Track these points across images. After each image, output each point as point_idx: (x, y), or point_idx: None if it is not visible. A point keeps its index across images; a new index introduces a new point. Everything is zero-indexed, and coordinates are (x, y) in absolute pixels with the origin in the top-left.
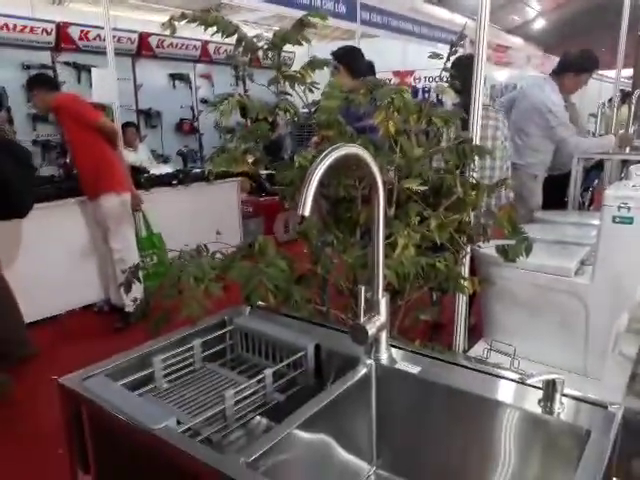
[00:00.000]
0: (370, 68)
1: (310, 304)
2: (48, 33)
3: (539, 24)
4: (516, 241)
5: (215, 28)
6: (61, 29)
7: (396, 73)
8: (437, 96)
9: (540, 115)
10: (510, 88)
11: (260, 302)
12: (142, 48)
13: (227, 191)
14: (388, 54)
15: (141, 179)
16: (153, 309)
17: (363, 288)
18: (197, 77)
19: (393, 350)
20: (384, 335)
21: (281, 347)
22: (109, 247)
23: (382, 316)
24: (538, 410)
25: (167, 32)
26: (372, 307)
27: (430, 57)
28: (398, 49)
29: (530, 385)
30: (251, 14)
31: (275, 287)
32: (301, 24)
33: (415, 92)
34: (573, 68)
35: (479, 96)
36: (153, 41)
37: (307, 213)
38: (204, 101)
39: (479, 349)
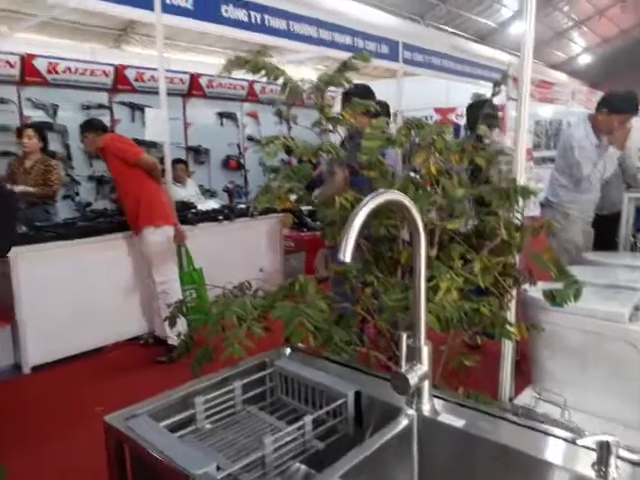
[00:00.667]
0: (385, 108)
1: (350, 345)
2: (107, 75)
3: (584, 59)
4: (564, 285)
5: (263, 72)
6: (119, 71)
7: (438, 110)
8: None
9: (565, 152)
10: (555, 124)
11: (300, 344)
12: (193, 88)
13: (270, 226)
14: (430, 91)
15: (188, 215)
16: (195, 344)
17: (405, 335)
18: (244, 115)
19: (436, 401)
20: (426, 385)
21: (321, 392)
22: (152, 280)
23: (424, 365)
24: (592, 474)
25: (222, 74)
26: (414, 355)
27: (472, 98)
28: (440, 86)
29: (583, 446)
30: (295, 55)
31: (315, 328)
32: (345, 67)
33: (457, 129)
34: (606, 107)
35: (524, 135)
36: (203, 81)
37: (348, 259)
38: (250, 138)
39: (527, 397)
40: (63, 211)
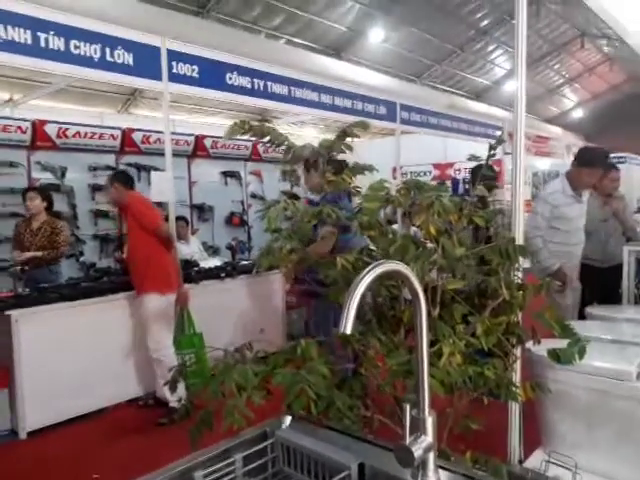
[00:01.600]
0: (343, 166)
1: (352, 410)
2: (114, 138)
3: (577, 113)
4: (568, 343)
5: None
6: (126, 134)
7: (436, 165)
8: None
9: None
10: (552, 175)
11: (301, 411)
12: (197, 149)
13: (272, 282)
14: (428, 147)
15: (192, 273)
16: (195, 407)
17: (408, 406)
18: (247, 174)
19: (442, 472)
20: (432, 457)
21: (323, 464)
22: (146, 346)
23: (429, 436)
24: None
25: (226, 138)
26: (418, 425)
27: (469, 159)
28: (438, 143)
29: None
30: (297, 116)
31: (317, 395)
32: (344, 134)
33: (455, 183)
34: (576, 161)
35: (520, 188)
36: (208, 143)
37: (349, 331)
38: (254, 195)
39: (537, 460)
40: (68, 270)
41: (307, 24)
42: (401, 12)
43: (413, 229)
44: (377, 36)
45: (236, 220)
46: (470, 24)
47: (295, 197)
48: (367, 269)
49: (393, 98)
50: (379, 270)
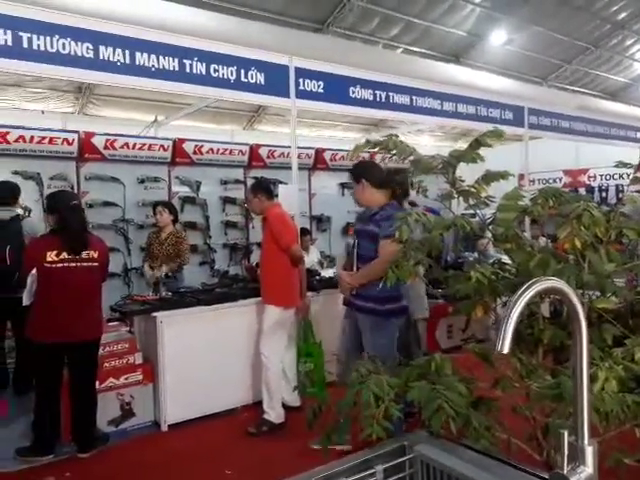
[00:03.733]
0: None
1: (489, 431)
2: (243, 154)
3: None
4: None
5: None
6: (253, 150)
7: (567, 172)
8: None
9: None
10: None
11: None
12: (318, 162)
13: None
14: (558, 153)
15: (313, 282)
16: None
17: (566, 433)
18: None
19: None
20: None
21: None
22: (260, 350)
23: (589, 468)
24: None
25: (353, 156)
26: (575, 454)
27: (616, 166)
28: (569, 147)
29: None
30: (414, 125)
31: (455, 412)
32: (478, 144)
33: (589, 190)
34: None
35: None
36: (327, 155)
37: (506, 351)
38: None
39: None
40: (199, 276)
41: (425, 32)
42: (525, 12)
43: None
44: (499, 38)
45: (352, 230)
46: (604, 18)
47: (414, 205)
48: (525, 285)
49: (520, 102)
50: (539, 287)
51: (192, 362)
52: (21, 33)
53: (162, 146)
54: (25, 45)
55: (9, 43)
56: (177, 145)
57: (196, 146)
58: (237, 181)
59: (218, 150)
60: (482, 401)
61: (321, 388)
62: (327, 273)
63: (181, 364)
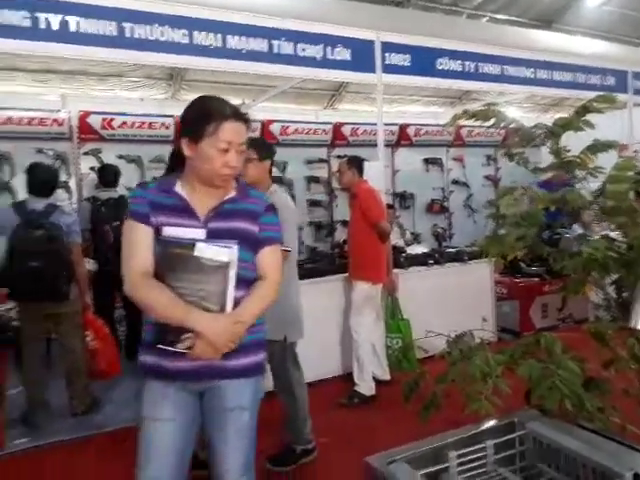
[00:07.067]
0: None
1: (603, 413)
2: (326, 133)
3: None
4: None
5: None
6: (336, 128)
7: None
8: None
9: None
10: None
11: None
12: (401, 138)
13: (481, 271)
14: None
15: (400, 259)
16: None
17: None
18: (449, 160)
19: None
20: None
21: (585, 466)
22: (349, 324)
23: None
24: None
25: (448, 125)
26: None
27: None
28: None
29: None
30: (501, 97)
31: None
32: (585, 110)
33: None
34: None
35: None
36: (411, 131)
37: None
38: (455, 182)
39: None
40: None
41: None
42: None
43: None
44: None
45: (436, 207)
46: None
47: None
48: None
49: (622, 66)
50: None
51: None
52: (124, 24)
53: (253, 127)
54: (127, 35)
55: (114, 33)
56: (265, 127)
57: (282, 127)
58: (321, 160)
59: (303, 130)
60: (593, 382)
61: (412, 364)
62: (415, 250)
63: None
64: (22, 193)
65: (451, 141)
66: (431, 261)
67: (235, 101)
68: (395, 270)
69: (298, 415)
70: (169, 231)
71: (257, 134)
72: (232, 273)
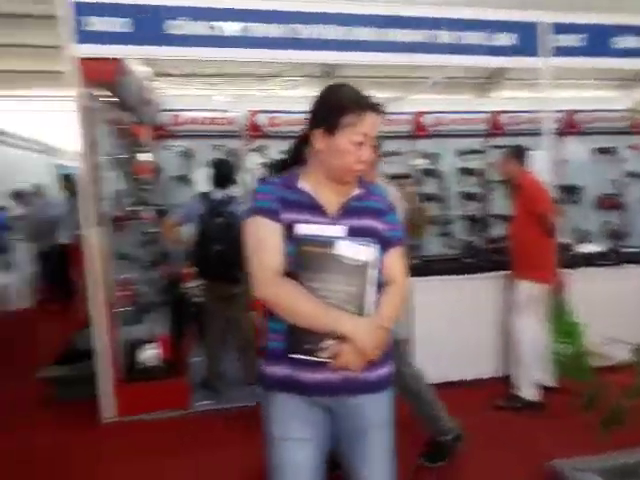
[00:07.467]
0: None
1: None
2: (482, 122)
3: None
4: None
5: None
6: (494, 118)
7: None
8: None
9: None
10: None
11: None
12: (568, 126)
13: None
14: None
15: (567, 258)
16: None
17: None
18: (624, 149)
19: None
20: None
21: None
22: (512, 324)
23: None
24: None
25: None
26: None
27: None
28: None
29: None
30: None
31: None
32: None
33: None
34: None
35: None
36: (579, 118)
37: None
38: (631, 174)
39: None
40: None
41: None
42: None
43: None
44: None
45: (608, 202)
46: None
47: None
48: None
49: None
50: None
51: (439, 328)
52: (292, 25)
53: (404, 121)
54: (299, 35)
55: (286, 35)
56: (416, 119)
57: (436, 118)
58: (475, 151)
59: (456, 120)
60: None
61: (585, 372)
62: (585, 249)
63: (430, 329)
64: (199, 185)
65: (629, 128)
66: (606, 261)
67: (385, 95)
68: (563, 270)
69: (427, 408)
70: (303, 228)
71: (410, 126)
72: (372, 273)
